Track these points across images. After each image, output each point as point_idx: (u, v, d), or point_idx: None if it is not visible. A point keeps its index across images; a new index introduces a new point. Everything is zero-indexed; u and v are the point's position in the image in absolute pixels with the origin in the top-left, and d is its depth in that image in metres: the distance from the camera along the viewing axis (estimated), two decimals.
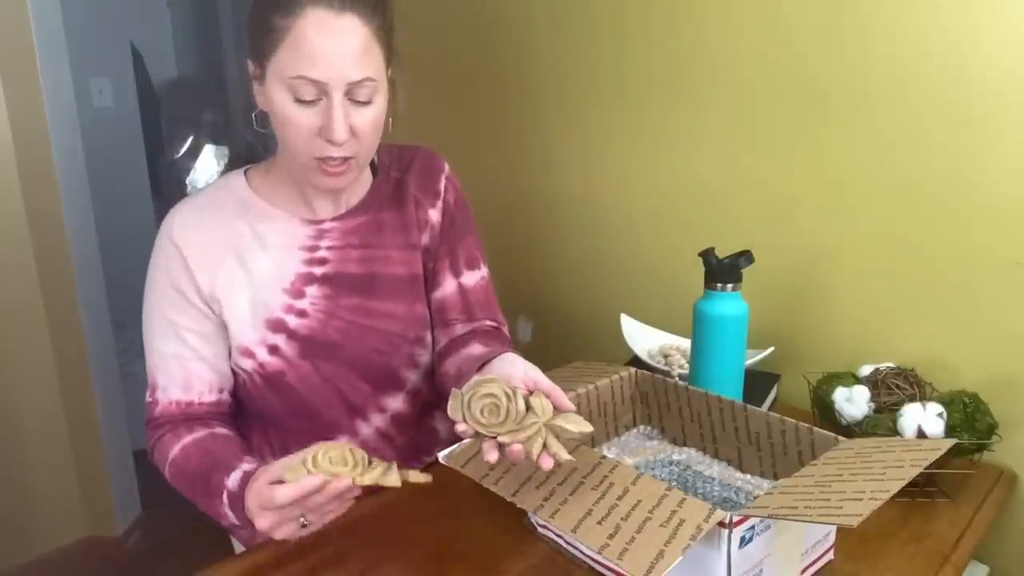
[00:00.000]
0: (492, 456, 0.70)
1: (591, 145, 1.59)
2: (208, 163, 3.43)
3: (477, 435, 0.72)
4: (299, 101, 0.81)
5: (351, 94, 0.82)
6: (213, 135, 3.44)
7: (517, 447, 0.69)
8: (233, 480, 0.80)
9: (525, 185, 1.76)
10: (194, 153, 3.40)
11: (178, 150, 3.38)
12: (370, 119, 0.84)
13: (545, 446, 0.70)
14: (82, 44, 2.37)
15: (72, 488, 2.07)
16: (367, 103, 0.84)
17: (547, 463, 0.70)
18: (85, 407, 2.05)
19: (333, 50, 0.79)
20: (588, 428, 0.72)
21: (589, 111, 1.57)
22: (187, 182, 3.39)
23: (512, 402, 0.70)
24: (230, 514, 0.80)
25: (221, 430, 0.92)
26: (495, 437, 0.70)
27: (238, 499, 0.78)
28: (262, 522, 0.74)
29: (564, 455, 0.70)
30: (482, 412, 0.70)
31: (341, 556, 0.85)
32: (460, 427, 0.71)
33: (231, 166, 3.41)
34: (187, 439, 0.89)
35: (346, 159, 0.85)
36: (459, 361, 0.93)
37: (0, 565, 1.97)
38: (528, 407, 0.71)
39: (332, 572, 0.82)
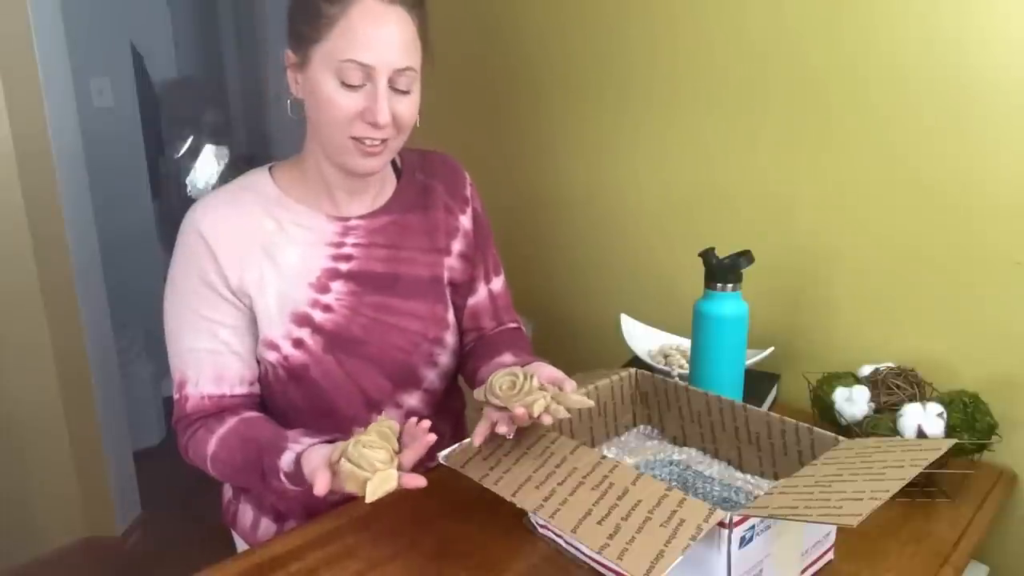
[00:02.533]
0: (503, 428, 0.80)
1: (592, 145, 1.59)
2: (208, 163, 3.43)
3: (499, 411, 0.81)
4: (345, 85, 0.84)
5: (393, 82, 0.85)
6: (213, 135, 3.44)
7: (520, 410, 0.77)
8: (287, 462, 0.82)
9: (526, 186, 1.76)
10: (194, 153, 3.41)
11: (178, 150, 3.39)
12: (409, 108, 0.88)
13: (547, 410, 0.79)
14: (82, 44, 2.37)
15: (72, 488, 2.07)
16: (406, 92, 0.87)
17: (546, 420, 0.79)
18: (85, 407, 2.05)
19: (383, 37, 0.84)
20: (588, 403, 0.81)
21: (590, 112, 1.57)
22: (187, 182, 3.39)
23: (527, 380, 0.80)
24: (291, 488, 0.84)
25: (249, 414, 0.93)
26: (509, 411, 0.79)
27: (297, 477, 0.81)
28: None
29: (563, 413, 0.79)
30: (501, 387, 0.80)
31: (341, 556, 0.85)
32: (491, 415, 0.82)
33: (231, 166, 3.42)
34: (221, 431, 0.90)
35: (383, 140, 0.88)
36: (491, 369, 0.97)
37: (0, 565, 1.98)
38: (541, 387, 0.80)
39: (332, 572, 0.82)
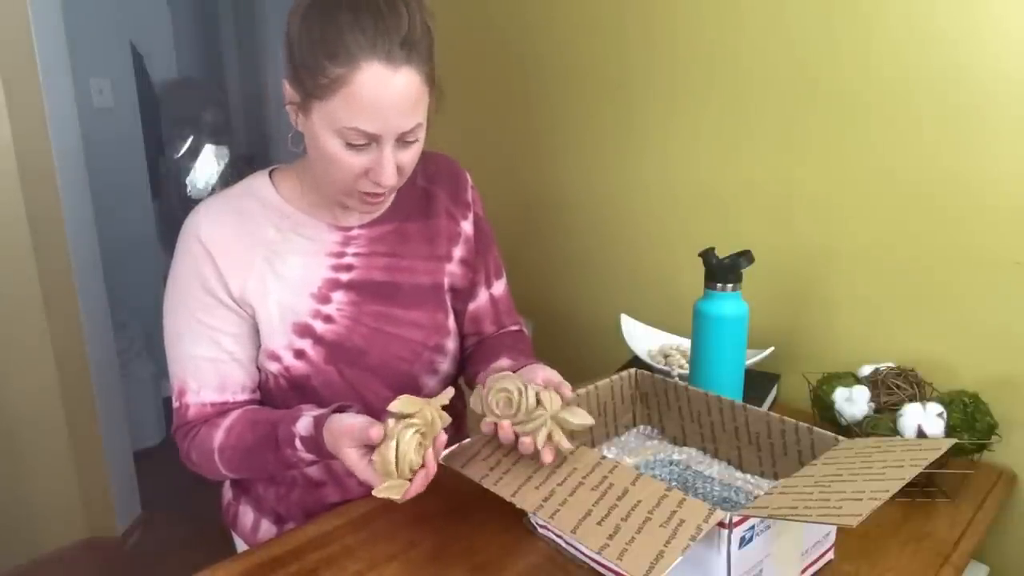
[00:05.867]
0: (509, 437, 0.79)
1: (592, 145, 1.59)
2: (208, 163, 3.43)
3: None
4: (349, 147, 0.82)
5: (400, 139, 0.83)
6: (213, 135, 3.44)
7: (527, 440, 0.77)
8: (303, 427, 0.83)
9: (526, 186, 1.76)
10: (194, 153, 3.40)
11: (178, 150, 3.38)
12: (414, 155, 0.86)
13: (550, 437, 0.78)
14: (82, 44, 2.37)
15: (72, 488, 2.07)
16: (412, 143, 0.85)
17: (548, 457, 0.77)
18: (85, 407, 2.05)
19: (389, 104, 0.79)
20: (590, 421, 0.79)
21: (590, 113, 1.58)
22: (187, 182, 3.39)
23: (523, 396, 0.79)
24: (306, 456, 0.85)
25: (252, 406, 0.94)
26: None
27: (312, 441, 0.83)
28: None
29: (565, 444, 0.78)
30: (497, 404, 0.80)
31: (341, 556, 0.85)
32: (485, 427, 0.81)
33: (231, 166, 3.42)
34: (226, 422, 0.90)
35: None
36: (489, 374, 0.96)
37: (0, 565, 1.98)
38: (538, 402, 0.79)
39: (332, 572, 0.82)
